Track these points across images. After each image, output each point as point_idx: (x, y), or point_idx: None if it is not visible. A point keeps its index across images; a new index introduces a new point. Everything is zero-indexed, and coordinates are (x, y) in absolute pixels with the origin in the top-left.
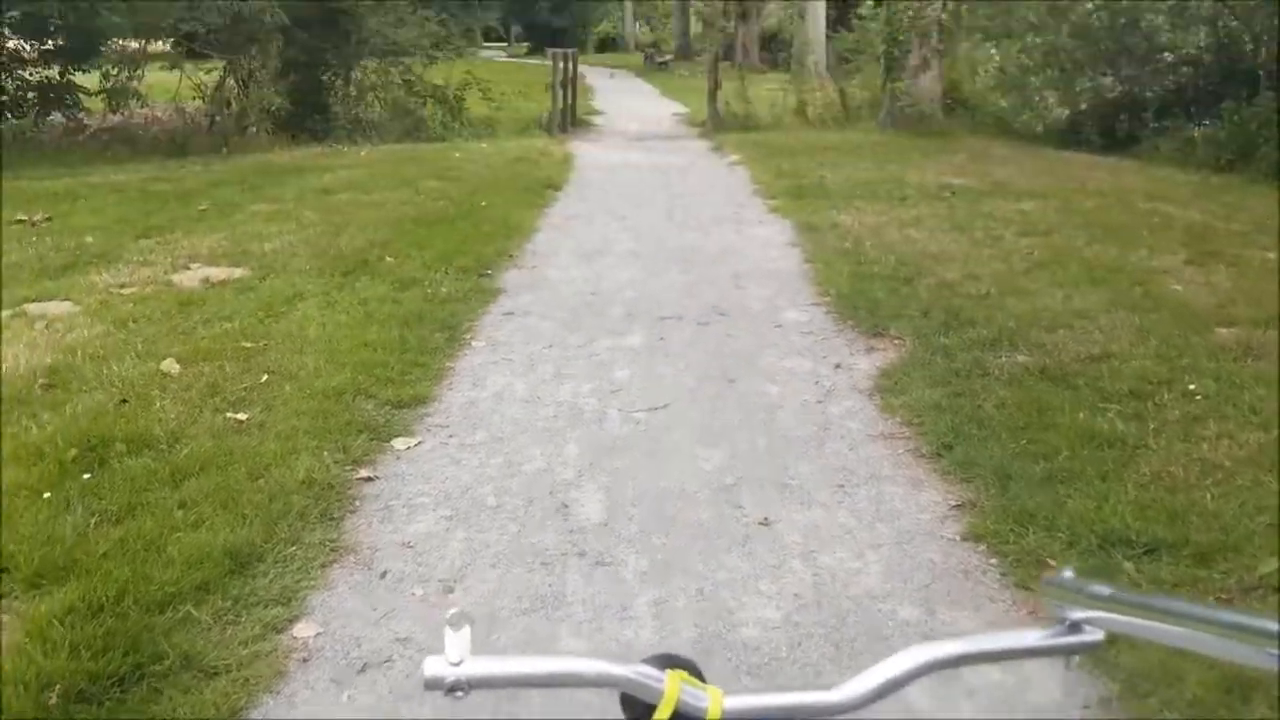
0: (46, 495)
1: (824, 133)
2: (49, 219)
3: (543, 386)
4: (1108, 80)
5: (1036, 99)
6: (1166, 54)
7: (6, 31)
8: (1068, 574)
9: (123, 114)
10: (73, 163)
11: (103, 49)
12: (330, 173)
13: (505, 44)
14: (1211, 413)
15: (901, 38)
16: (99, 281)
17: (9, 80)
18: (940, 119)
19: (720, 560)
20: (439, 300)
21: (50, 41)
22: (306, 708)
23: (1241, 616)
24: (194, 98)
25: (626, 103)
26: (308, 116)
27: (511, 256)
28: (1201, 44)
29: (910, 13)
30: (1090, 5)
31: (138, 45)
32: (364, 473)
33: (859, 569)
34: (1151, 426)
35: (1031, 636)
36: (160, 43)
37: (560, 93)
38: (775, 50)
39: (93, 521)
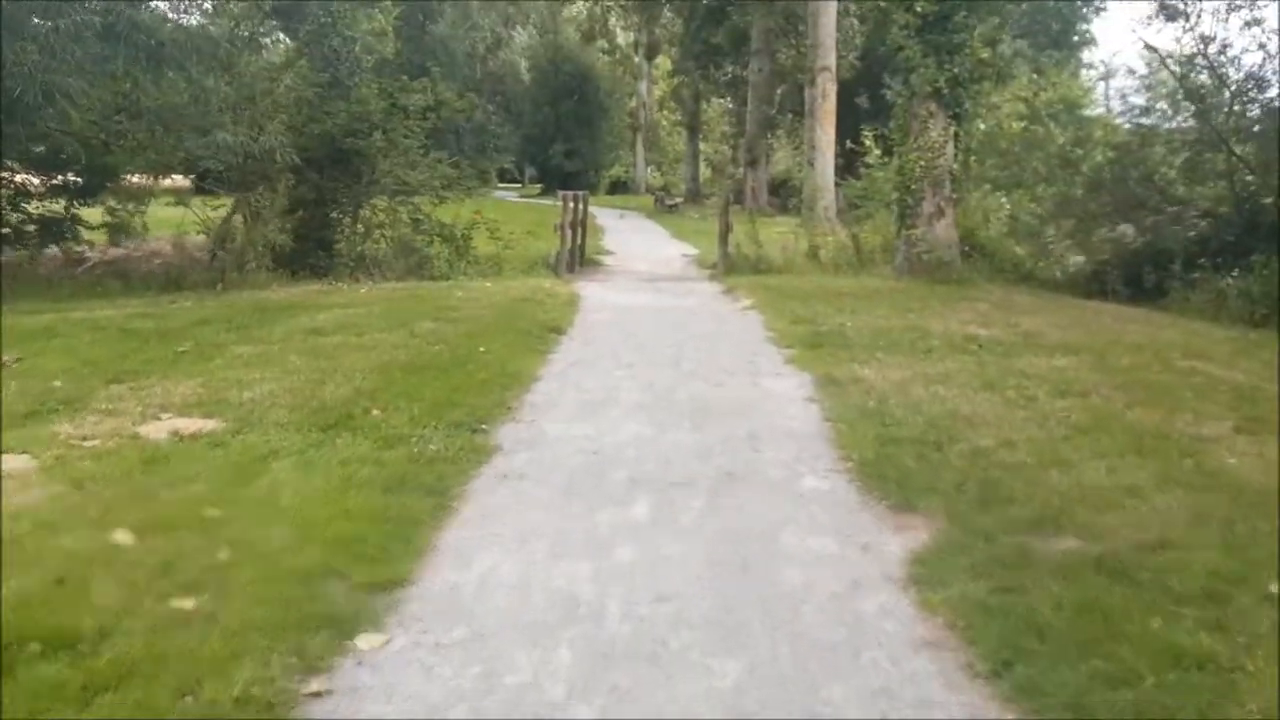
0: None
1: (838, 278)
2: (19, 359)
3: (535, 569)
4: (1128, 230)
5: (1052, 247)
6: (1185, 205)
7: (15, 165)
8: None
9: (125, 248)
10: (62, 296)
11: (109, 185)
12: (325, 311)
13: (519, 185)
14: None
15: (914, 186)
16: (60, 433)
17: (13, 214)
18: (958, 266)
19: None
20: (426, 460)
21: (60, 176)
22: None
23: None
24: (198, 232)
25: (636, 243)
26: (311, 253)
27: (509, 409)
28: (1217, 197)
29: (923, 162)
30: (1101, 159)
31: (145, 181)
32: (315, 685)
33: None
34: (1241, 641)
35: None
36: (169, 179)
37: (569, 233)
38: (784, 195)
39: None
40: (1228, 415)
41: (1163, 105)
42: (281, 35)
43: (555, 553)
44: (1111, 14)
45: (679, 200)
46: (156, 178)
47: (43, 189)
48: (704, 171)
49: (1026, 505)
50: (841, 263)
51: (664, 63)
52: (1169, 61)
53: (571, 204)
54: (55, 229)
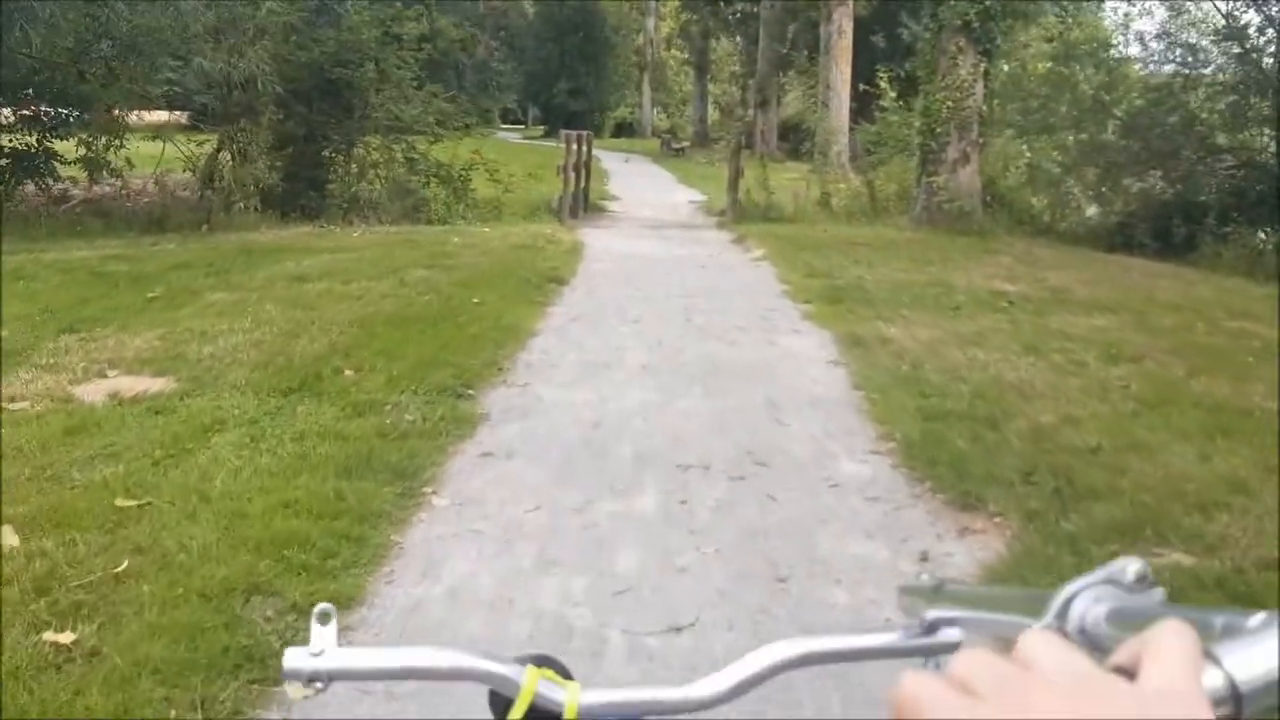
0: None
1: (852, 227)
2: None
3: (518, 581)
4: (1157, 180)
5: (1074, 198)
6: (1225, 156)
7: None
8: (924, 577)
9: (109, 184)
10: (40, 235)
11: (86, 117)
12: (313, 256)
13: (522, 126)
14: None
15: (939, 129)
16: None
17: None
18: (980, 217)
19: None
20: (399, 435)
21: (31, 107)
22: None
23: None
24: (184, 170)
25: (642, 188)
26: (303, 193)
27: (501, 369)
28: (1262, 145)
29: (949, 102)
30: (1140, 101)
31: (122, 113)
32: None
33: None
34: None
35: (890, 637)
36: (155, 113)
37: (572, 176)
38: (794, 140)
39: None
40: None
41: (1204, 43)
42: None
43: (545, 559)
44: None
45: (686, 144)
46: (134, 110)
47: (13, 119)
48: (712, 114)
49: (1114, 503)
50: (855, 211)
51: None
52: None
53: (575, 145)
54: (28, 163)
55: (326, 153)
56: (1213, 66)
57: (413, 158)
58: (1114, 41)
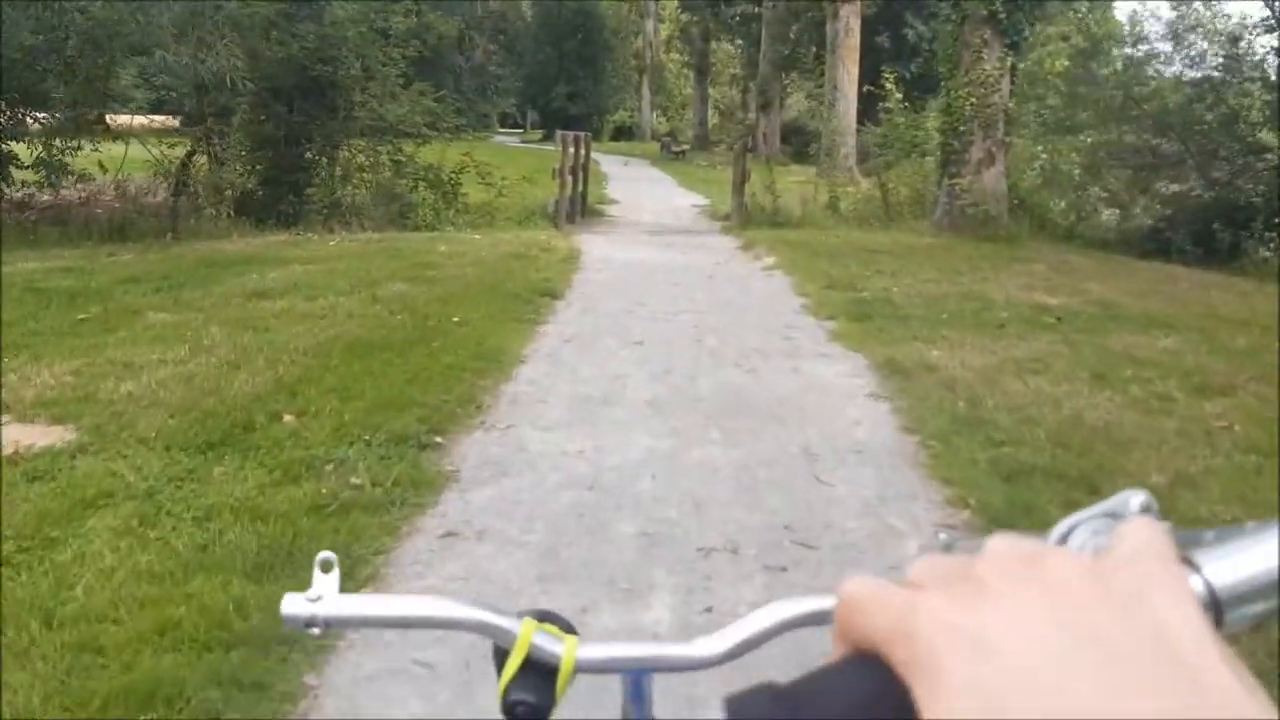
0: None
1: (866, 232)
2: None
3: None
4: (1195, 183)
5: (1094, 202)
6: (1268, 155)
7: None
8: (942, 536)
9: (79, 190)
10: None
11: (43, 117)
12: (281, 267)
13: (521, 130)
14: None
15: (963, 128)
16: None
17: None
18: (1006, 221)
19: None
20: (338, 508)
21: None
22: None
23: None
24: (154, 174)
25: (642, 192)
26: (283, 198)
27: (479, 408)
28: None
29: (973, 99)
30: (1177, 95)
31: (80, 113)
32: None
33: None
34: None
35: None
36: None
37: (569, 180)
38: (796, 143)
39: None
40: None
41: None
42: None
43: None
44: None
45: (686, 147)
46: (97, 110)
47: None
48: (712, 117)
49: None
50: (867, 216)
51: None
52: None
53: (572, 148)
54: None
55: (310, 154)
56: (1254, 60)
57: (399, 160)
58: (1142, 34)
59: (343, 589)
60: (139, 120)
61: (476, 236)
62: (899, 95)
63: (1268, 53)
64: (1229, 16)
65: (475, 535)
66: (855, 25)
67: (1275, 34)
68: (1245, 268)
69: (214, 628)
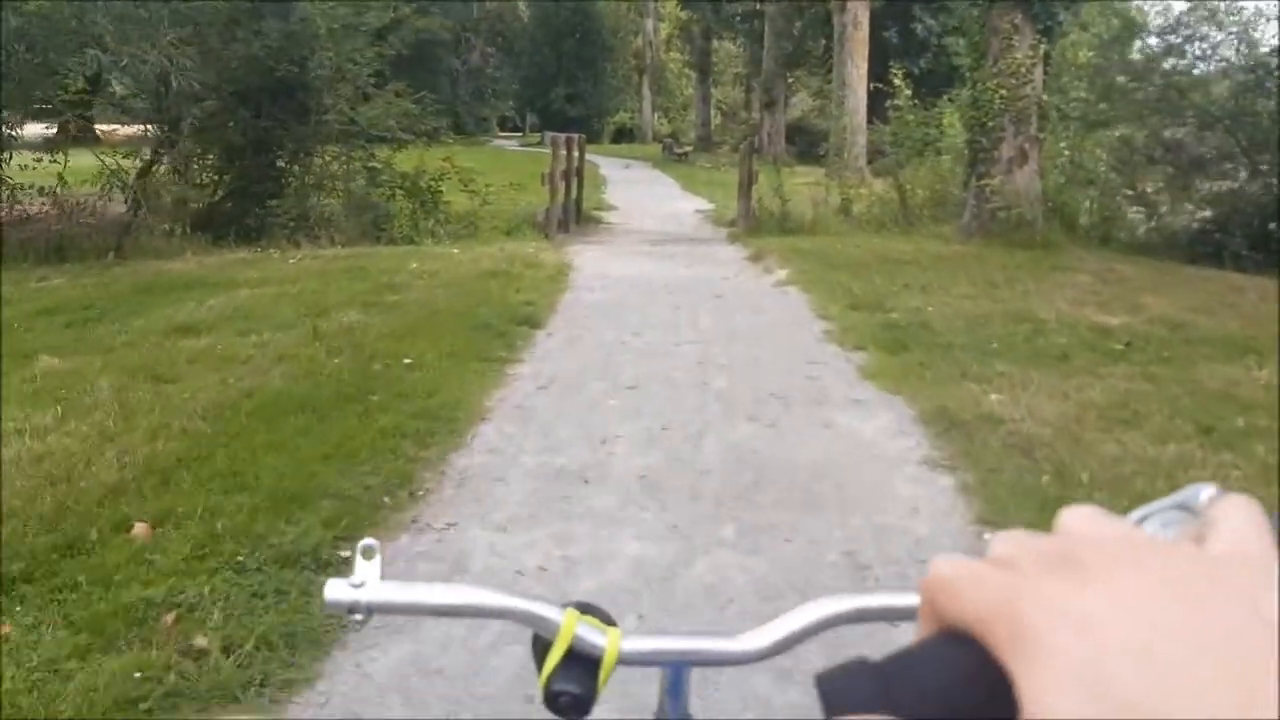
0: None
1: (885, 239)
2: None
3: None
4: (1246, 181)
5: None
6: None
7: None
8: (987, 537)
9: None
10: None
11: None
12: (225, 292)
13: (520, 133)
14: None
15: (991, 123)
16: None
17: None
18: (1041, 226)
19: None
20: (159, 698)
21: None
22: None
23: None
24: (106, 186)
25: (643, 196)
26: (249, 211)
27: (413, 495)
28: None
29: (1003, 91)
30: (1228, 83)
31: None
32: None
33: None
34: None
35: None
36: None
37: (561, 185)
38: (802, 142)
39: None
40: None
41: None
42: None
43: None
44: None
45: (688, 149)
46: (26, 116)
47: None
48: (715, 118)
49: None
50: (884, 220)
51: None
52: None
53: (564, 150)
54: None
55: (281, 162)
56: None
57: (373, 167)
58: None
59: None
60: (104, 128)
61: (455, 250)
62: (908, 92)
63: None
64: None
65: None
66: (864, 18)
67: None
68: None
69: None
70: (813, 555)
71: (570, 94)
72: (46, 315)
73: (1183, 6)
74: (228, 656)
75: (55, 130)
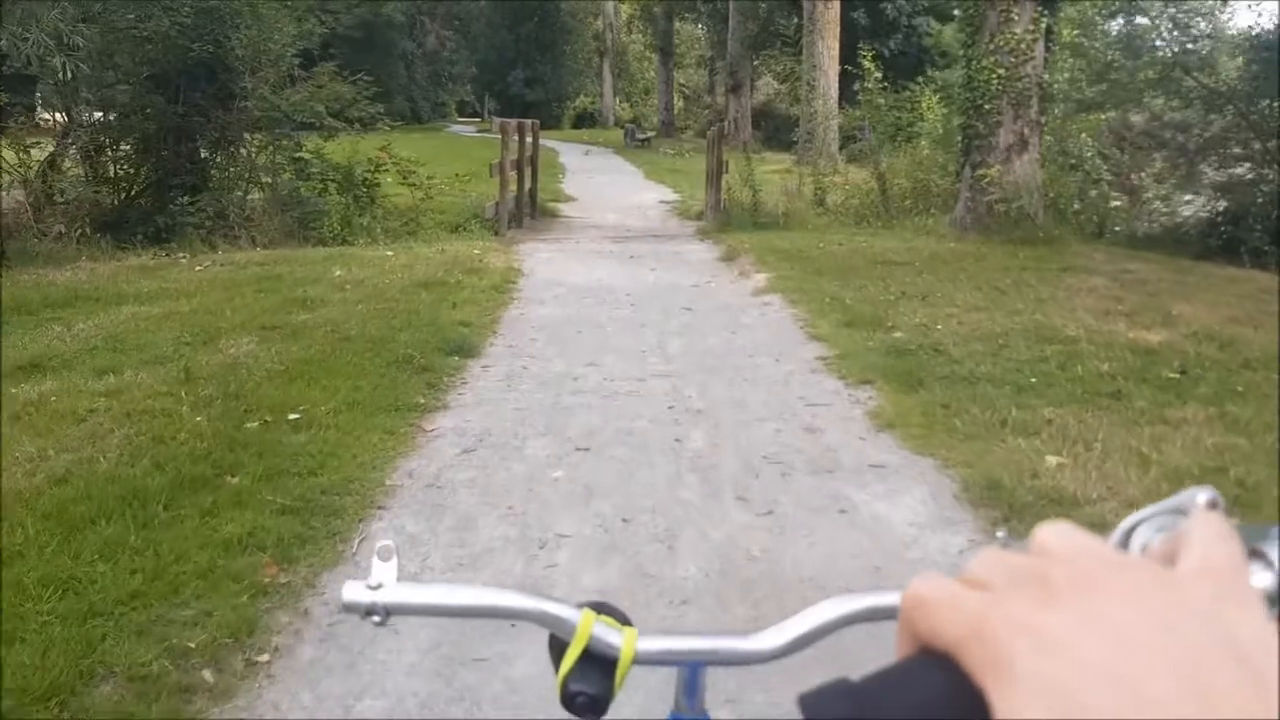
0: None
1: (870, 235)
2: None
3: None
4: (1260, 168)
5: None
6: None
7: None
8: (1000, 534)
9: None
10: None
11: None
12: (107, 311)
13: (479, 119)
14: None
15: (988, 106)
16: None
17: None
18: (1043, 220)
19: None
20: None
21: None
22: None
23: None
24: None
25: (603, 185)
26: (163, 209)
27: (250, 668)
28: None
29: (1001, 70)
30: (1241, 59)
31: None
32: None
33: None
34: None
35: None
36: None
37: (513, 176)
38: (768, 128)
39: None
40: None
41: None
42: None
43: None
44: None
45: (651, 134)
46: None
47: None
48: (678, 102)
49: None
50: (863, 212)
51: None
52: None
53: (516, 138)
54: None
55: (204, 153)
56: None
57: (300, 157)
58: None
59: None
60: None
61: (389, 254)
62: (878, 74)
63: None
64: None
65: None
66: None
67: None
68: None
69: None
70: None
71: (529, 77)
72: None
73: None
74: None
75: None
